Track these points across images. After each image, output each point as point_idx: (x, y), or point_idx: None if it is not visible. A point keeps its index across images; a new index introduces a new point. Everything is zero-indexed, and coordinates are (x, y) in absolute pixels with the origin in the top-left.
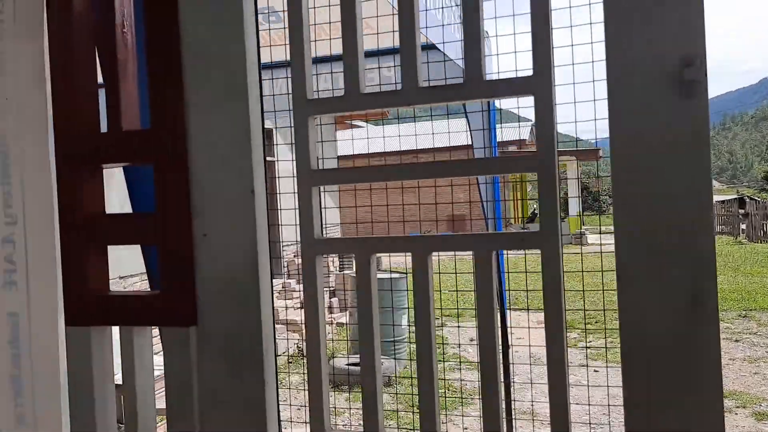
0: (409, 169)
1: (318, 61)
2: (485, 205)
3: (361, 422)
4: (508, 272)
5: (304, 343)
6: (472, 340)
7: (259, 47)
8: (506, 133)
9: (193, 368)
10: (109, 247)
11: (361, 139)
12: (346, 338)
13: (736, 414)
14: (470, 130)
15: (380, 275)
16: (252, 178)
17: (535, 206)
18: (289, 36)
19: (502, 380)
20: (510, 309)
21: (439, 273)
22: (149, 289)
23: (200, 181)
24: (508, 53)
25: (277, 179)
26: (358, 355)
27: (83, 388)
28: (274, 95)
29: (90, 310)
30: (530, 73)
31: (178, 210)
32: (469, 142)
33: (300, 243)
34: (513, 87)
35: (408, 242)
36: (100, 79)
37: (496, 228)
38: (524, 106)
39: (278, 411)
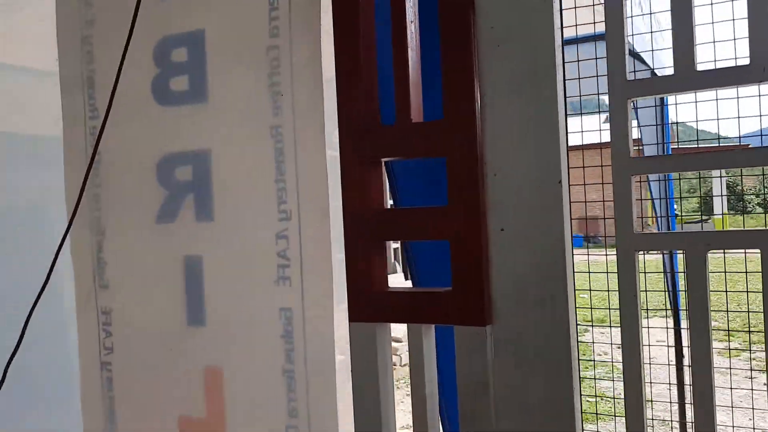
0: (748, 154)
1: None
2: (657, 203)
3: None
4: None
5: (618, 347)
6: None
7: (562, 25)
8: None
9: (489, 368)
10: None
11: None
12: None
13: None
14: (639, 126)
15: None
16: (560, 168)
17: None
18: (605, 13)
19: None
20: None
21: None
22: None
23: (498, 173)
24: None
25: None
26: None
27: (366, 383)
28: (579, 78)
29: (374, 306)
30: None
31: (472, 204)
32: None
33: (615, 238)
34: None
35: (752, 236)
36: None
37: (670, 226)
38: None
39: (581, 420)
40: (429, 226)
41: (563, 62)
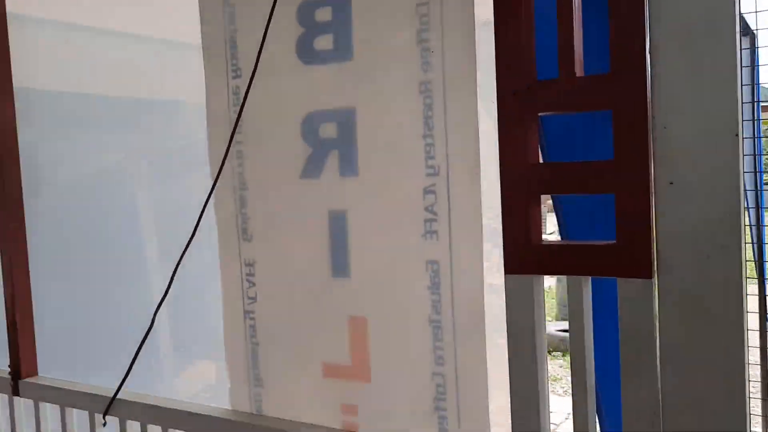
0: None
1: None
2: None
3: None
4: None
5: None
6: None
7: None
8: None
9: (653, 322)
10: None
11: None
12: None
13: None
14: None
15: None
16: (736, 119)
17: None
18: None
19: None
20: None
21: None
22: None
23: (668, 125)
24: None
25: None
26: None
27: (521, 335)
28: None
29: (531, 258)
30: None
31: (640, 157)
32: None
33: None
34: None
35: None
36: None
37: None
38: None
39: (748, 375)
40: (592, 180)
41: (739, 12)
